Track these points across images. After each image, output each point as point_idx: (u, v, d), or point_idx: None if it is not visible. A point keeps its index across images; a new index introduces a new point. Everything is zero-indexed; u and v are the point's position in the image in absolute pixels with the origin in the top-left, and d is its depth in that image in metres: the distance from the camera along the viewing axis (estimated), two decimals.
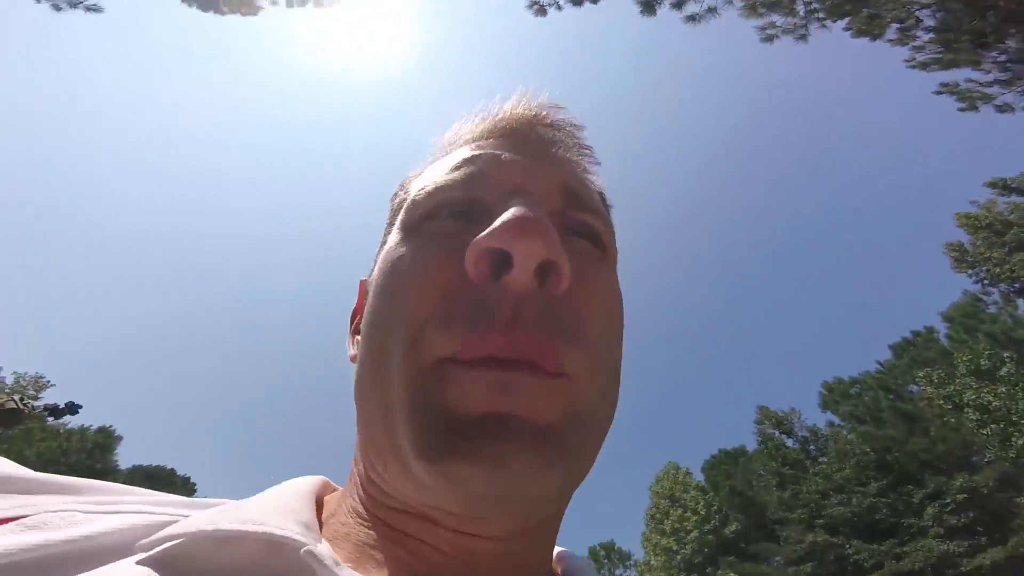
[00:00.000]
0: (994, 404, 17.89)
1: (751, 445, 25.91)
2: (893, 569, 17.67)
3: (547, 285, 0.36)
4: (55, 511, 0.36)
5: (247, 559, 0.34)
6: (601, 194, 0.50)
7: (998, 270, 21.87)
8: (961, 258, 23.04)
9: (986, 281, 22.49)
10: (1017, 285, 21.65)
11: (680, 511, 24.65)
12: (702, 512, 24.12)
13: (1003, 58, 8.66)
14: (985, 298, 22.55)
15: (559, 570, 0.46)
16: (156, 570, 0.32)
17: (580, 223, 0.43)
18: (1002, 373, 18.48)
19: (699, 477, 26.65)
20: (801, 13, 8.95)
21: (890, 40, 9.29)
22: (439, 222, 0.42)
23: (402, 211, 0.45)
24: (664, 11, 8.85)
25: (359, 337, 0.46)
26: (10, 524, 0.34)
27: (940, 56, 9.03)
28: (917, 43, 9.20)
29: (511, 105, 0.49)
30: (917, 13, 8.78)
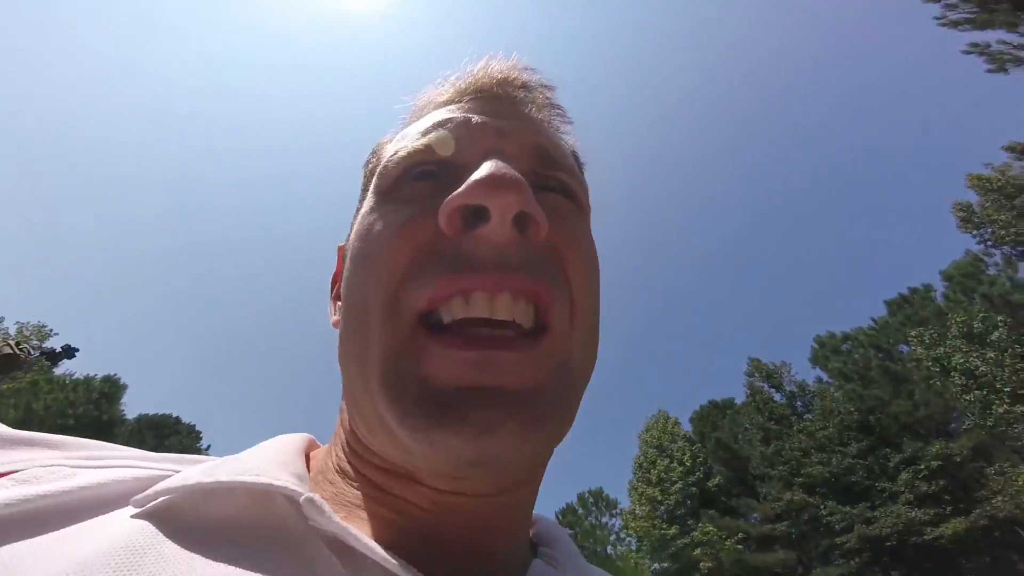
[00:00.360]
0: (981, 369, 17.71)
1: (742, 397, 26.10)
2: (861, 533, 18.05)
3: (527, 234, 0.37)
4: (45, 466, 0.36)
5: (245, 510, 0.35)
6: (574, 152, 0.50)
7: (1003, 232, 21.17)
8: (968, 218, 22.30)
9: (990, 243, 21.86)
10: (1020, 249, 21.00)
11: (667, 461, 25.09)
12: (688, 463, 24.51)
13: None
14: (987, 259, 21.96)
15: (533, 532, 0.48)
16: (154, 523, 0.32)
17: (554, 180, 0.44)
18: (993, 337, 18.20)
19: (689, 427, 27.05)
20: None
21: None
22: (412, 185, 0.42)
23: (375, 176, 0.45)
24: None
25: (340, 303, 0.46)
26: (1, 479, 0.35)
27: (974, 16, 8.83)
28: (951, 0, 9.02)
29: (482, 67, 0.48)
30: None
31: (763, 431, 23.33)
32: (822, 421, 21.66)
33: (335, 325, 0.48)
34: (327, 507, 0.34)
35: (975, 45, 9.36)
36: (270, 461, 0.38)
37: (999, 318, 18.70)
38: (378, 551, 0.33)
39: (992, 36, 9.09)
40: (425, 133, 0.44)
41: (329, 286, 0.55)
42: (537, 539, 0.48)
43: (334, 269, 0.55)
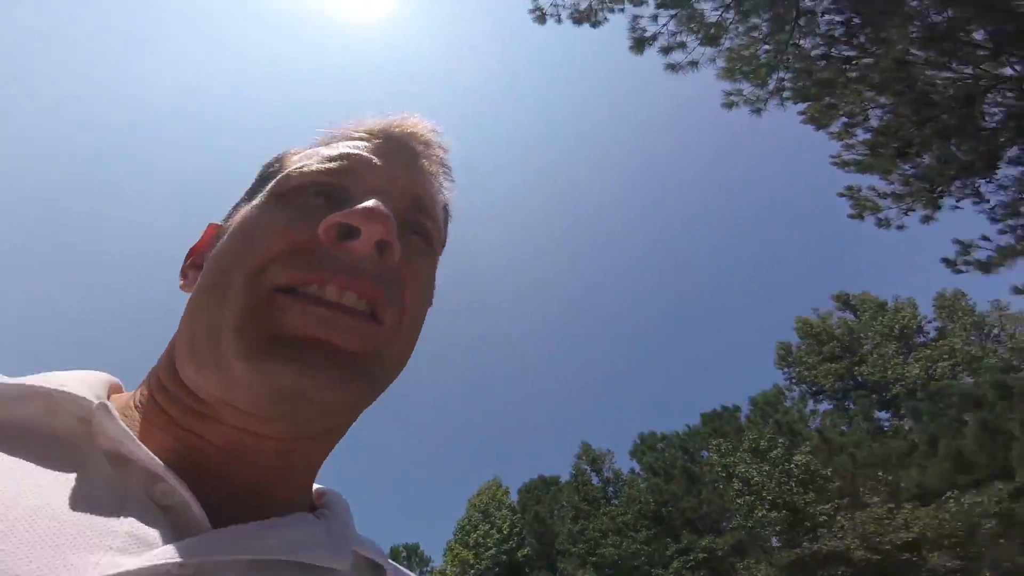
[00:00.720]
0: (755, 479, 20.37)
1: (568, 476, 27.64)
2: None
3: (383, 257, 0.45)
4: None
5: (40, 417, 0.38)
6: (445, 206, 0.60)
7: (807, 373, 24.95)
8: (784, 356, 26.18)
9: (794, 380, 25.61)
10: (814, 389, 24.73)
11: (488, 527, 25.83)
12: (505, 531, 25.41)
13: (911, 172, 8.83)
14: (787, 393, 25.43)
15: (321, 500, 0.52)
16: None
17: (418, 224, 0.52)
18: (772, 455, 21.00)
19: (516, 497, 28.11)
20: (771, 88, 9.04)
21: (831, 133, 9.39)
22: (307, 196, 0.48)
23: (274, 180, 0.51)
24: (650, 53, 8.86)
25: (194, 272, 0.54)
26: None
27: (862, 159, 9.16)
28: (852, 141, 9.31)
29: (398, 118, 0.57)
30: (869, 110, 8.91)
31: (575, 510, 24.90)
32: (625, 507, 23.60)
33: (183, 288, 0.54)
34: (117, 415, 0.38)
35: (849, 188, 9.58)
36: (78, 380, 0.41)
37: (780, 440, 21.64)
38: (151, 459, 0.37)
39: (867, 181, 9.35)
40: (333, 160, 0.50)
41: (185, 255, 0.58)
42: (320, 503, 0.52)
43: (198, 241, 0.58)
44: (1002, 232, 8.23)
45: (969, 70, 7.88)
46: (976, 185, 8.41)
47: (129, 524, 0.34)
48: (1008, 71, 7.73)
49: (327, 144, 0.55)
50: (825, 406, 24.62)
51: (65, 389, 0.38)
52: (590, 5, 9.20)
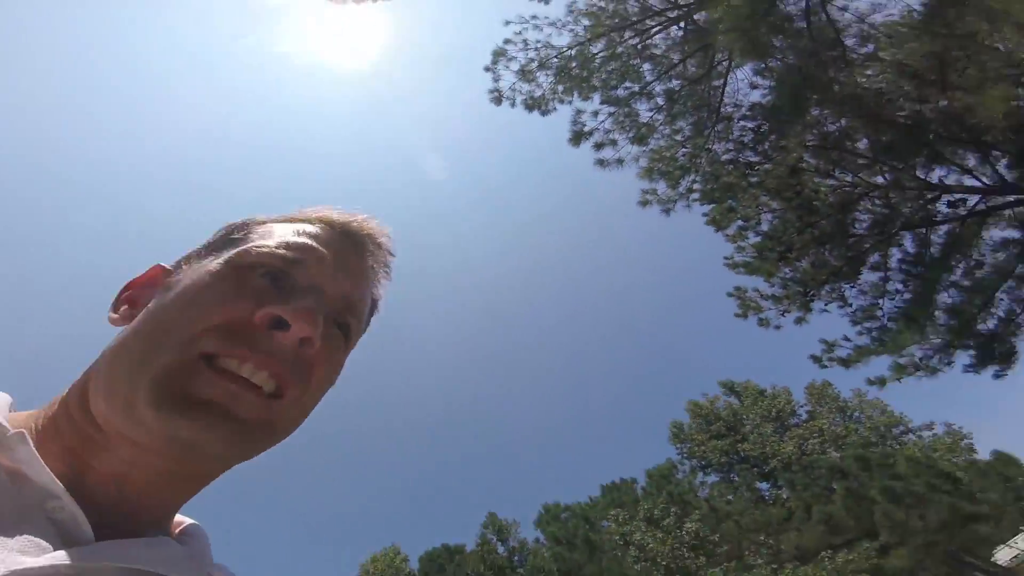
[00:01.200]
0: (650, 545, 21.62)
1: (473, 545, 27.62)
2: None
3: (302, 349, 0.51)
4: None
5: None
6: (375, 300, 0.66)
7: (696, 449, 27.15)
8: (677, 434, 28.39)
9: (685, 455, 27.71)
10: (703, 463, 26.88)
11: None
12: None
13: (789, 276, 9.49)
14: (679, 467, 27.35)
15: (180, 529, 0.57)
16: None
17: (343, 322, 0.58)
18: (665, 522, 22.42)
19: (416, 565, 27.57)
20: (682, 190, 9.67)
21: (727, 235, 9.96)
22: (256, 275, 0.53)
23: (236, 248, 0.57)
24: (584, 148, 9.56)
25: (127, 308, 0.58)
26: None
27: (751, 261, 9.58)
28: (743, 243, 9.79)
29: (361, 218, 0.64)
30: (762, 214, 9.61)
31: None
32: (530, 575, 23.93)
33: (113, 322, 0.57)
34: (31, 442, 0.43)
35: (738, 289, 9.91)
36: None
37: (672, 509, 23.20)
38: (51, 480, 0.41)
39: (752, 282, 9.85)
40: (288, 248, 0.56)
41: (123, 287, 0.61)
42: (182, 532, 0.56)
43: (137, 276, 0.61)
44: (859, 334, 9.16)
45: (849, 178, 8.88)
46: (841, 290, 9.49)
47: (27, 531, 0.39)
48: (879, 179, 8.68)
49: (290, 221, 0.62)
50: (713, 478, 26.53)
51: None
52: (543, 94, 10.07)
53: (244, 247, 0.57)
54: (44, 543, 0.39)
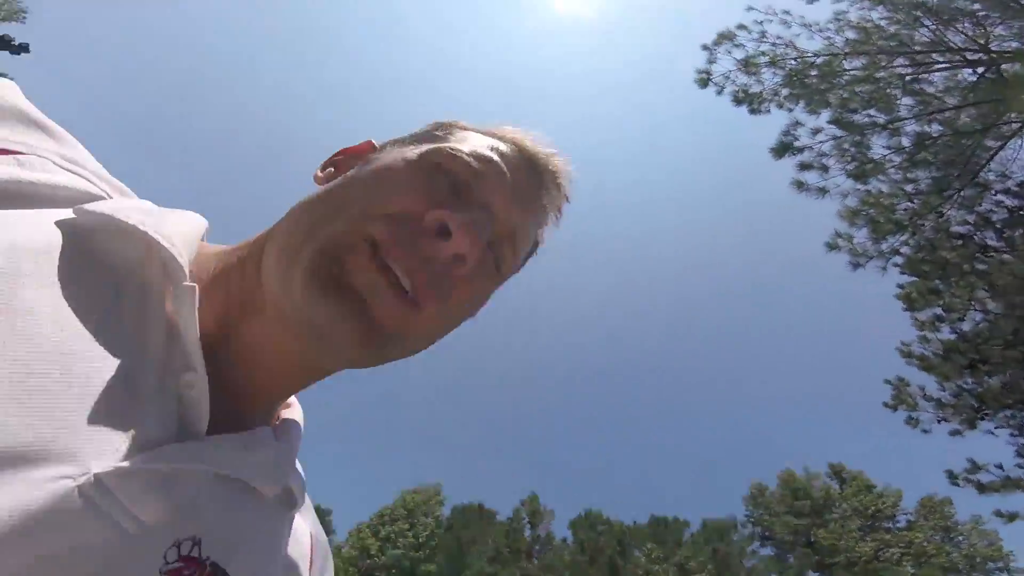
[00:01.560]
0: None
1: (507, 515, 27.18)
2: None
3: (454, 265, 0.50)
4: (41, 156, 0.46)
5: (133, 256, 0.44)
6: (536, 241, 0.65)
7: (767, 518, 25.06)
8: (756, 496, 26.67)
9: (752, 520, 25.95)
10: (766, 533, 24.76)
11: (406, 527, 25.39)
12: (422, 540, 25.02)
13: (969, 387, 8.70)
14: (740, 528, 25.58)
15: (279, 416, 0.58)
16: (64, 231, 0.41)
17: (500, 251, 0.57)
18: None
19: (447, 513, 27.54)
20: (885, 248, 8.42)
21: (915, 317, 9.05)
22: (440, 177, 0.54)
23: (434, 144, 0.57)
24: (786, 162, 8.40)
25: (332, 171, 0.61)
26: (7, 156, 0.44)
27: (931, 357, 8.75)
28: (931, 334, 8.88)
29: (550, 150, 0.63)
30: (970, 311, 8.57)
31: (496, 551, 24.65)
32: (540, 571, 23.21)
33: (316, 181, 0.61)
34: (190, 299, 0.43)
35: (900, 380, 9.18)
36: (183, 236, 0.47)
37: (710, 567, 21.42)
38: (196, 350, 0.42)
39: (919, 378, 8.96)
40: (477, 159, 0.56)
41: (336, 151, 0.65)
42: (281, 418, 0.58)
43: (354, 145, 0.65)
44: (1019, 466, 8.26)
45: None
46: (1022, 420, 8.39)
47: (156, 408, 0.39)
48: None
49: (488, 135, 0.61)
50: (767, 551, 24.83)
51: (171, 250, 0.43)
52: (762, 92, 9.13)
53: (440, 145, 0.57)
54: (160, 431, 0.39)
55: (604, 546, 24.54)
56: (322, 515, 28.22)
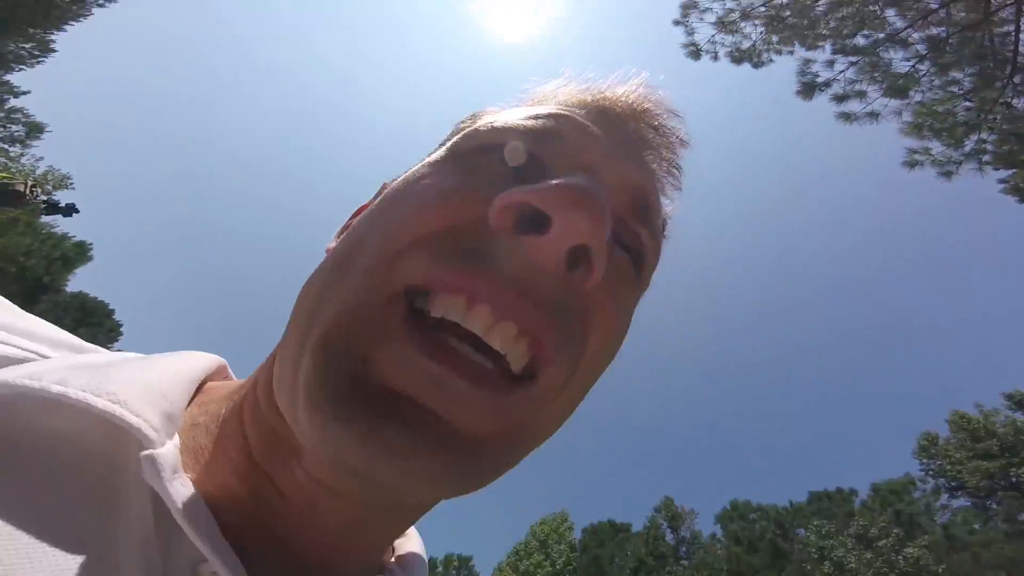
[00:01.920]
0: (851, 564, 17.25)
1: (640, 527, 25.44)
2: None
3: (573, 274, 0.30)
4: None
5: (84, 434, 0.29)
6: (665, 221, 0.44)
7: (950, 468, 21.11)
8: (927, 447, 22.49)
9: (932, 472, 21.81)
10: (953, 484, 20.77)
11: (542, 558, 24.25)
12: (559, 567, 23.70)
13: None
14: (919, 484, 21.77)
15: (397, 548, 0.43)
16: None
17: (634, 236, 0.38)
18: (880, 543, 17.78)
19: (580, 535, 26.29)
20: (967, 150, 7.82)
21: None
22: (489, 159, 0.36)
23: (460, 134, 0.40)
24: (820, 100, 8.18)
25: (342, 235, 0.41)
26: None
27: None
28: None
29: (626, 88, 0.43)
30: None
31: (639, 562, 22.61)
32: (694, 571, 21.06)
33: (329, 252, 0.41)
34: (168, 467, 0.28)
35: None
36: (146, 387, 0.31)
37: (895, 531, 18.31)
38: (205, 536, 0.28)
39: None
40: (533, 117, 0.37)
41: (351, 214, 0.47)
42: (394, 557, 0.43)
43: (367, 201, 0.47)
44: None
45: None
46: None
47: None
48: None
49: (529, 105, 0.43)
50: (963, 502, 20.67)
51: (114, 412, 0.28)
52: (753, 45, 8.68)
53: (472, 128, 0.40)
54: None
55: (761, 532, 21.88)
56: (464, 562, 28.06)
